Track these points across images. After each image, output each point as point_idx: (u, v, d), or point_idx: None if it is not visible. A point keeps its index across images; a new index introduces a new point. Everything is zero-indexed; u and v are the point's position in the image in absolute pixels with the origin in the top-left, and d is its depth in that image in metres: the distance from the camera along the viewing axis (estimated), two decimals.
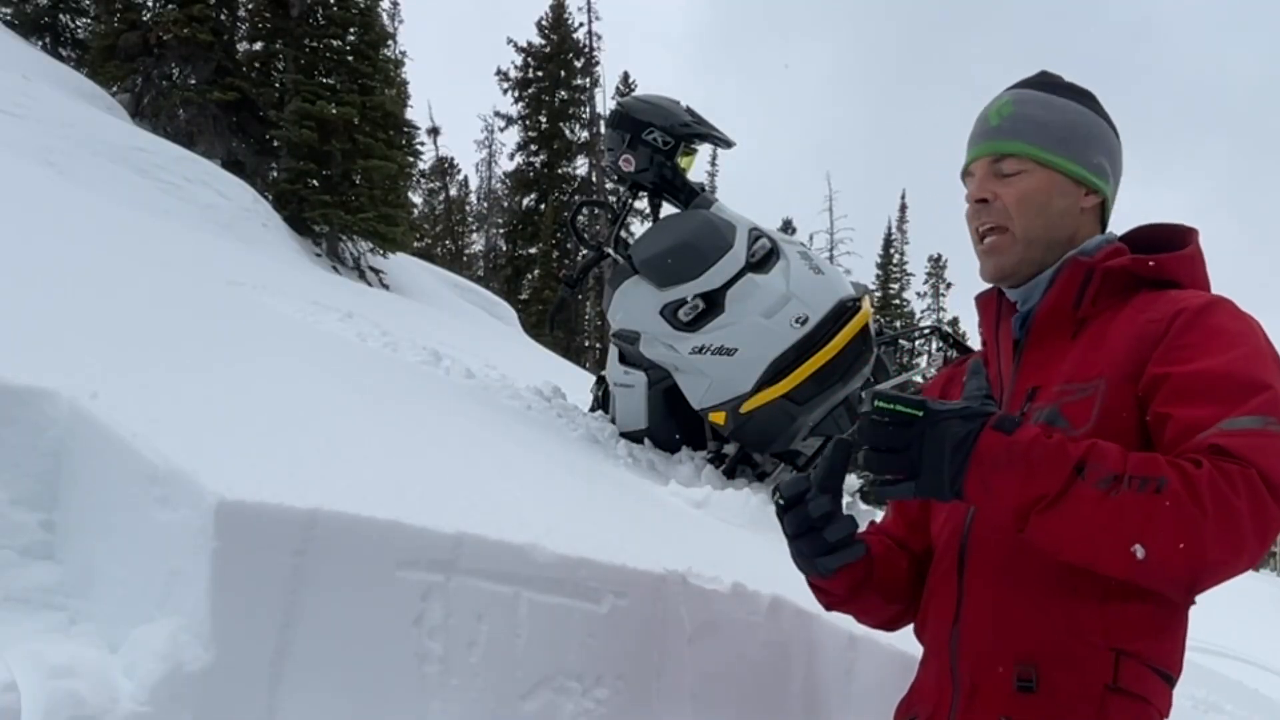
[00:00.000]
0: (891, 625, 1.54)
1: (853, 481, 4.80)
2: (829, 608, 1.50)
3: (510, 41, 32.90)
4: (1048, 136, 1.35)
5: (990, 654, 1.27)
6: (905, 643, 1.54)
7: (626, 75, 35.03)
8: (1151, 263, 1.30)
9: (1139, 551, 1.07)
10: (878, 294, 36.06)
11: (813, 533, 1.30)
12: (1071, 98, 1.39)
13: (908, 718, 1.41)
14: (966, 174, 1.42)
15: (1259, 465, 1.08)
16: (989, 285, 1.43)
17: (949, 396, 1.50)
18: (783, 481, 1.34)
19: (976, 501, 1.16)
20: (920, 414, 1.14)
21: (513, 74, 33.07)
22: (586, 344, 30.68)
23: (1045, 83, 1.41)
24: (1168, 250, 1.33)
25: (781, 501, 1.32)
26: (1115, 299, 1.31)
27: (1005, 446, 1.11)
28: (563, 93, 32.79)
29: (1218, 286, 1.33)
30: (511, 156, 33.73)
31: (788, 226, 31.29)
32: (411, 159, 15.83)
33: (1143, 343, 1.23)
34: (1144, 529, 1.07)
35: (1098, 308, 1.31)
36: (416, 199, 32.79)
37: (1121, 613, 1.21)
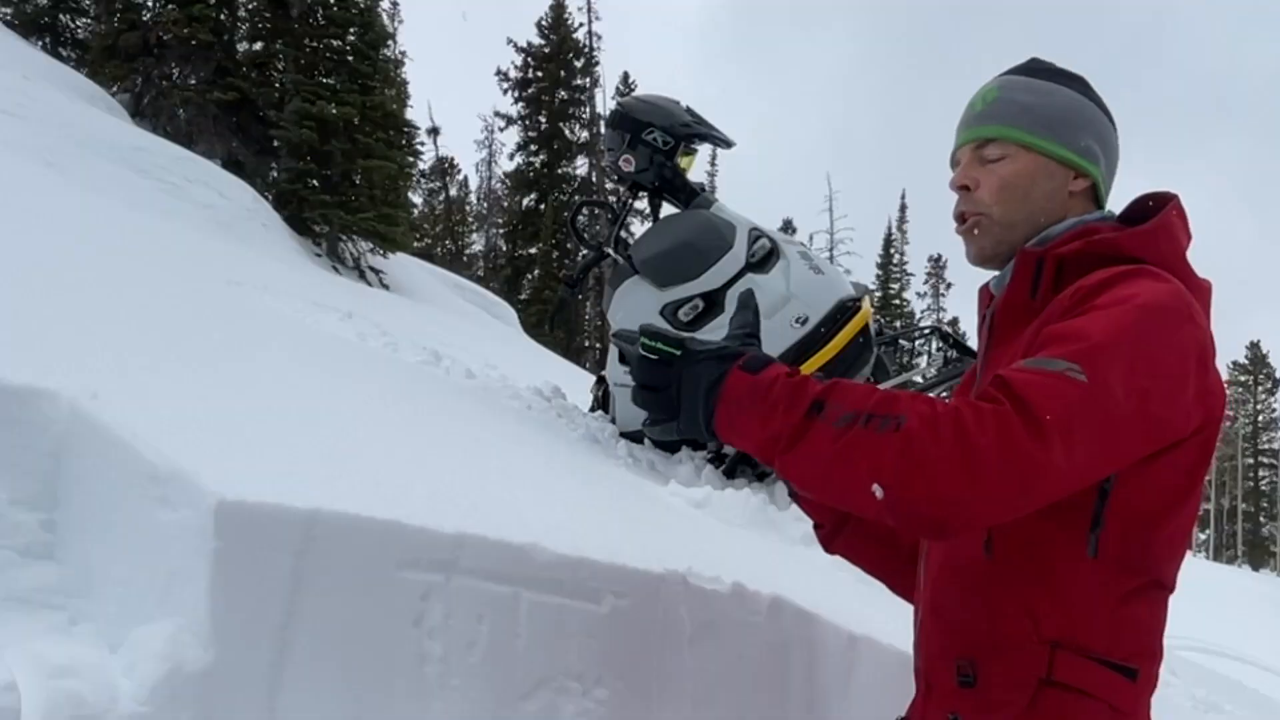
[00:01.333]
0: (897, 579, 1.53)
1: None
2: (825, 544, 1.53)
3: (510, 41, 32.92)
4: (1032, 120, 1.33)
5: (938, 652, 1.28)
6: (906, 643, 1.54)
7: (626, 75, 35.04)
8: (1106, 244, 1.26)
9: (878, 491, 1.05)
10: (878, 294, 36.07)
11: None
12: (1060, 82, 1.37)
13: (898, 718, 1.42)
14: (955, 162, 1.41)
15: (1027, 400, 1.04)
16: (988, 275, 1.42)
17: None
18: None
19: (727, 441, 1.17)
20: (678, 353, 1.16)
21: (513, 74, 33.08)
22: (586, 344, 30.67)
23: (1034, 68, 1.40)
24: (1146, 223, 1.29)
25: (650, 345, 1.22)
26: (1075, 282, 1.26)
27: (749, 385, 1.12)
28: (563, 93, 32.79)
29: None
30: (511, 156, 33.76)
31: (788, 226, 31.30)
32: (411, 159, 15.82)
33: (1043, 324, 1.21)
34: (878, 466, 1.04)
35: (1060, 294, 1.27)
36: (416, 199, 32.81)
37: (1056, 605, 1.18)
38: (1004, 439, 1.03)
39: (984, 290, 1.43)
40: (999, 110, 1.35)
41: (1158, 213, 1.29)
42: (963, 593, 1.25)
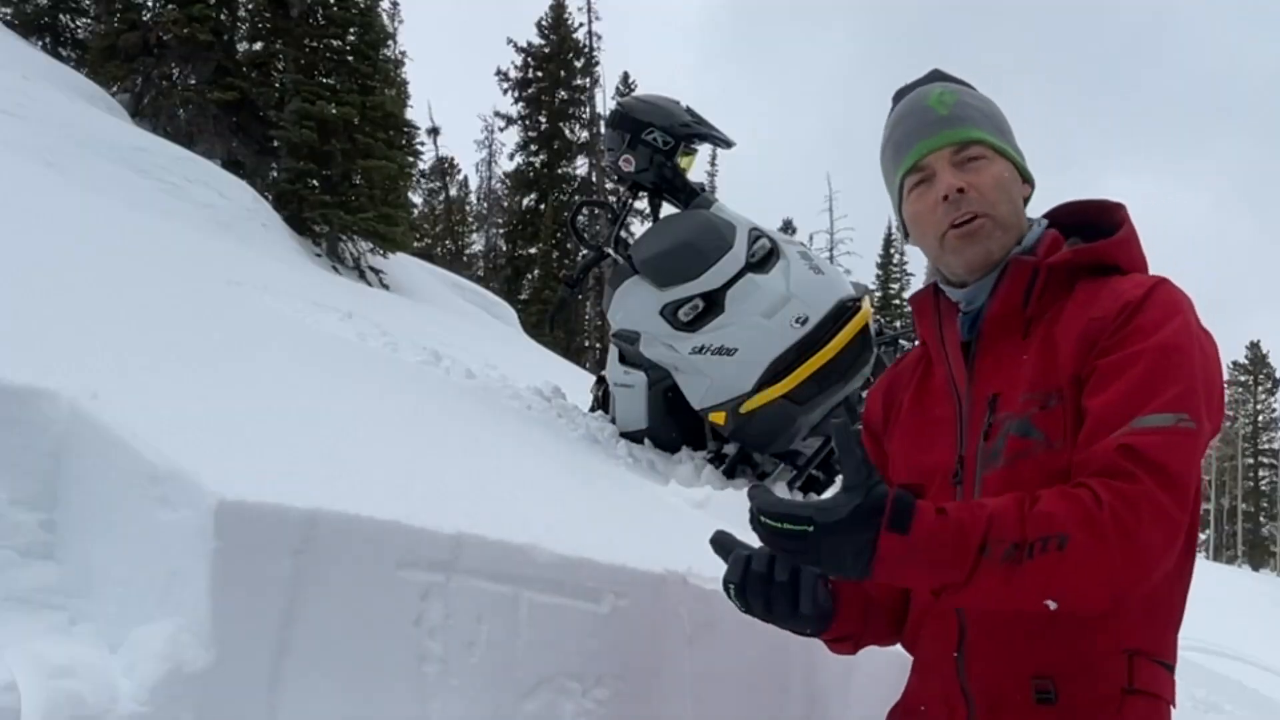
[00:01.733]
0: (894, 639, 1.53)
1: None
2: (853, 651, 1.49)
3: (510, 42, 32.92)
4: (992, 126, 1.33)
5: (1005, 672, 1.25)
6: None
7: (626, 75, 35.04)
8: (1093, 253, 1.29)
9: (1051, 604, 1.09)
10: (878, 294, 36.04)
11: (782, 599, 1.27)
12: (972, 89, 1.39)
13: None
14: (914, 170, 1.33)
15: (1167, 468, 1.10)
16: (925, 286, 1.41)
17: (891, 404, 1.47)
18: (730, 572, 1.29)
19: (889, 582, 1.17)
20: (810, 529, 1.10)
21: (513, 74, 33.08)
22: (586, 344, 30.68)
23: (950, 77, 1.39)
24: (1095, 229, 1.31)
25: (735, 586, 1.28)
26: (1060, 291, 1.29)
27: (906, 548, 1.09)
28: (563, 93, 32.79)
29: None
30: (511, 156, 33.78)
31: (788, 226, 31.28)
32: (411, 159, 15.82)
33: (1089, 343, 1.22)
34: (1051, 587, 1.09)
35: (1043, 304, 1.29)
36: (416, 199, 32.80)
37: (1128, 614, 1.21)
38: (1159, 519, 1.09)
39: (925, 300, 1.40)
40: (969, 114, 1.33)
41: (1108, 220, 1.32)
42: (1039, 616, 1.21)
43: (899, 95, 1.41)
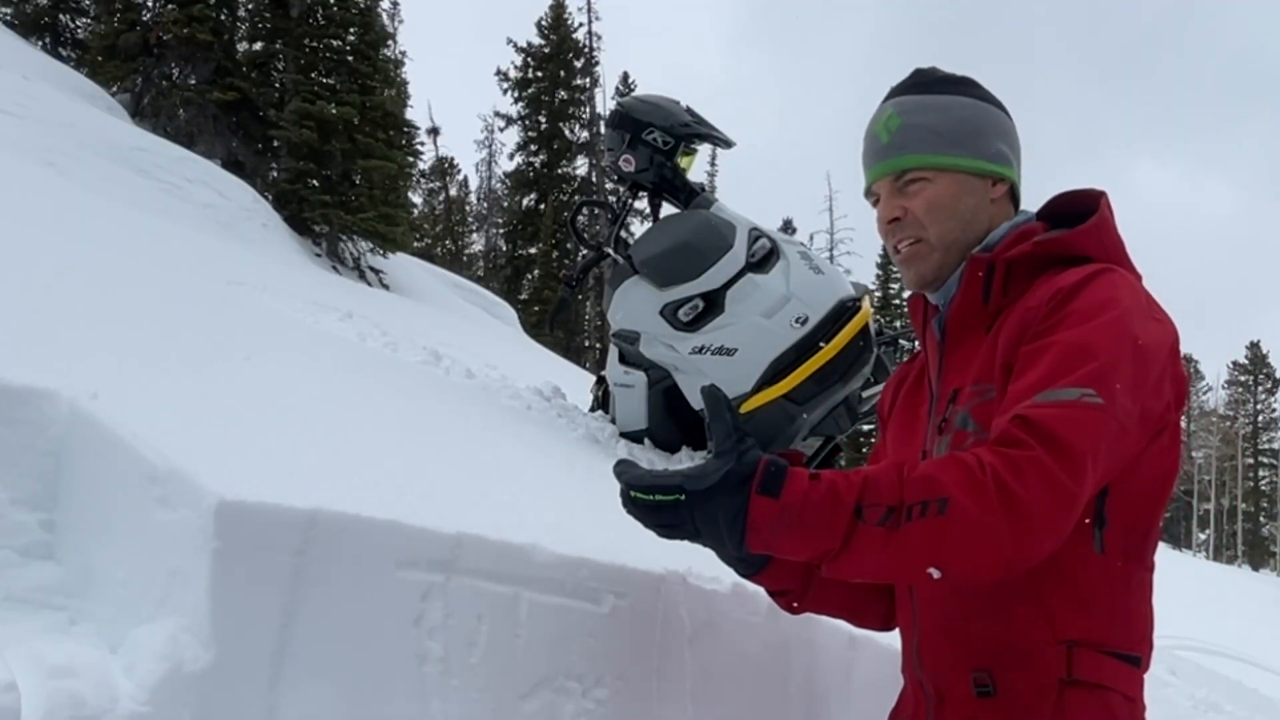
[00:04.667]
0: (887, 624, 1.53)
1: None
2: (794, 610, 1.49)
3: (510, 42, 32.93)
4: (940, 141, 1.33)
5: (949, 664, 1.28)
6: None
7: (626, 75, 35.06)
8: (1055, 243, 1.28)
9: (934, 572, 1.07)
10: (878, 294, 36.04)
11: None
12: (952, 91, 1.37)
13: None
14: (869, 193, 1.40)
15: (1058, 436, 1.07)
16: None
17: (894, 399, 1.50)
18: (625, 473, 1.21)
19: (765, 552, 1.14)
20: (682, 498, 1.10)
21: (513, 74, 33.08)
22: (586, 344, 30.69)
23: (921, 83, 1.39)
24: (1080, 219, 1.30)
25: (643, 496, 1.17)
26: (1026, 283, 1.28)
27: (777, 512, 1.08)
28: (563, 93, 32.80)
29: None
30: (511, 156, 33.79)
31: (788, 226, 31.27)
32: (411, 159, 15.84)
33: (1020, 332, 1.22)
34: (934, 553, 1.07)
35: (1010, 297, 1.29)
36: (416, 199, 32.84)
37: (1071, 604, 1.20)
38: (1047, 486, 1.06)
39: (918, 300, 1.43)
40: (905, 139, 1.34)
41: (1088, 210, 1.30)
42: (974, 608, 1.24)
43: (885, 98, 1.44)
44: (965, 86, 1.39)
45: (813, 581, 1.43)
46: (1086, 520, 1.18)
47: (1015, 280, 1.29)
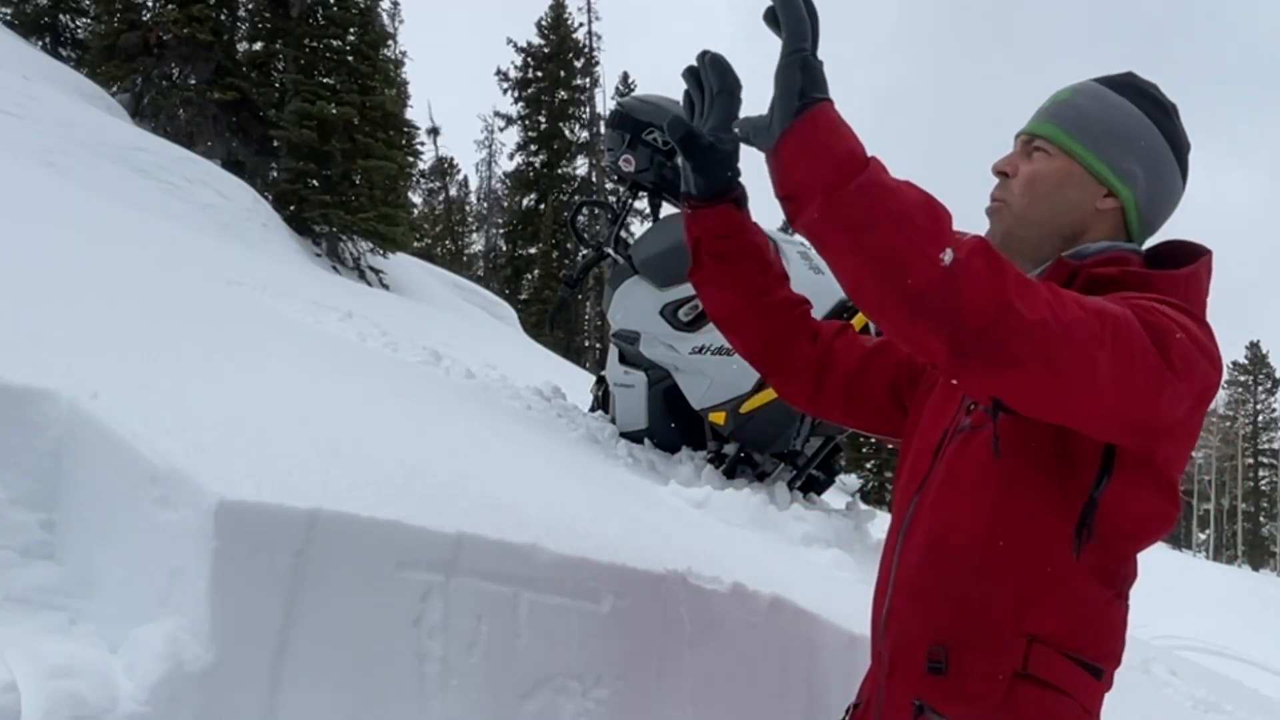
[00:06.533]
0: (764, 352, 1.60)
1: (853, 481, 4.80)
2: (718, 305, 1.55)
3: (510, 42, 32.95)
4: (1079, 126, 1.33)
5: (910, 635, 1.28)
6: None
7: (626, 75, 35.05)
8: (1141, 277, 1.26)
9: (947, 255, 1.04)
10: None
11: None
12: (1132, 99, 1.34)
13: (853, 704, 1.42)
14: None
15: (1154, 324, 1.10)
16: None
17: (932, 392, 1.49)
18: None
19: (789, 163, 1.14)
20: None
21: (513, 74, 33.11)
22: (586, 344, 30.70)
23: (1118, 82, 1.37)
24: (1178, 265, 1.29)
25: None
26: None
27: (830, 120, 1.12)
28: (562, 93, 32.84)
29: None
30: (511, 156, 33.84)
31: (788, 226, 31.25)
32: (411, 159, 15.85)
33: None
34: (951, 233, 1.07)
35: None
36: (416, 199, 32.88)
37: (1040, 599, 1.20)
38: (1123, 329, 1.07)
39: None
40: (1057, 110, 1.36)
41: (1189, 261, 1.29)
42: (949, 578, 1.24)
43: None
44: (1150, 103, 1.35)
45: (737, 255, 1.51)
46: (1071, 524, 1.18)
47: (1089, 295, 1.27)
